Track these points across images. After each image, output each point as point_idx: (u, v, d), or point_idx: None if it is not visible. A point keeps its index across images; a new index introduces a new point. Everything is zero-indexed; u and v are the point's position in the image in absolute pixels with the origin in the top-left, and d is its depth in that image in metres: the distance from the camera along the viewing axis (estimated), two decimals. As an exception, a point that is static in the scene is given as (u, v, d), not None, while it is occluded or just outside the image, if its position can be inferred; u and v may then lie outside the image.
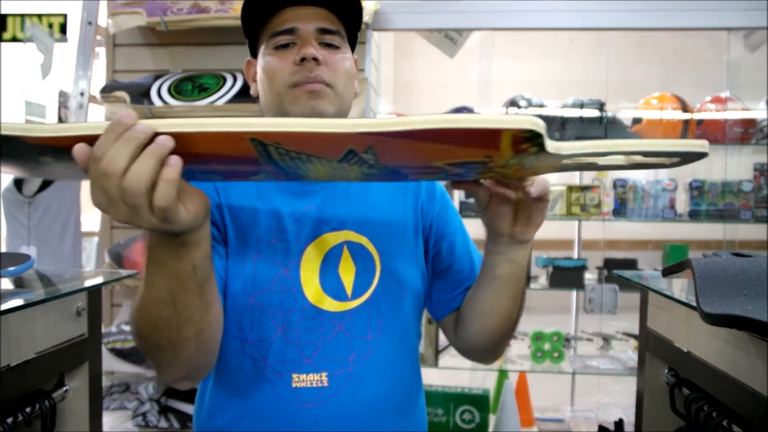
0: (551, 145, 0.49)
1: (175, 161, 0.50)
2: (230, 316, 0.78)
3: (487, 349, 0.86)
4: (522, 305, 0.81)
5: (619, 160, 0.55)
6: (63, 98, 2.23)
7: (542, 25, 2.21)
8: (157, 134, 0.50)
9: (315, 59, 0.77)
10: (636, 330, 1.24)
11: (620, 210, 2.36)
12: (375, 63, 2.31)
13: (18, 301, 0.82)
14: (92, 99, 2.16)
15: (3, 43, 2.24)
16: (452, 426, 2.24)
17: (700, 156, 0.53)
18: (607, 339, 2.51)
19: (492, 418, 2.24)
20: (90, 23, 2.15)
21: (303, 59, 0.77)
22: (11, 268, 0.94)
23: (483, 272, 0.80)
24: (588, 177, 2.56)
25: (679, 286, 1.07)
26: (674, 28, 2.25)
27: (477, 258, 0.89)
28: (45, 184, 2.00)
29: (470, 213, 2.32)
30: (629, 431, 1.74)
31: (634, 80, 2.85)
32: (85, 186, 2.13)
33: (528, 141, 0.47)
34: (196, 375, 0.74)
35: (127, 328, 2.13)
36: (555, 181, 2.39)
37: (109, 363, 2.05)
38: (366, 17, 2.01)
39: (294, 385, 0.77)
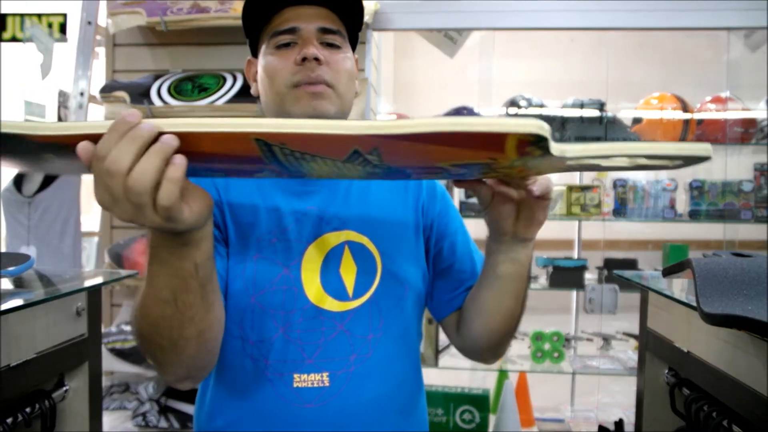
0: (556, 148, 0.49)
1: (180, 160, 0.50)
2: (231, 316, 0.78)
3: (489, 349, 0.86)
4: (524, 304, 0.81)
5: (623, 161, 0.55)
6: (63, 98, 2.23)
7: (542, 25, 2.21)
8: (161, 133, 0.50)
9: (316, 59, 0.77)
10: (636, 330, 1.24)
11: (620, 210, 2.36)
12: (375, 63, 2.31)
13: (18, 301, 0.82)
14: (92, 99, 2.16)
15: (3, 43, 2.23)
16: (452, 426, 2.24)
17: (703, 159, 0.53)
18: (607, 339, 2.51)
19: (492, 418, 2.24)
20: (90, 23, 2.15)
21: (304, 59, 0.77)
22: (11, 268, 0.94)
23: (485, 271, 0.79)
24: (588, 177, 2.56)
25: (679, 286, 1.07)
26: (674, 28, 2.24)
27: (478, 258, 0.89)
28: (45, 184, 2.00)
29: (470, 213, 2.32)
30: (629, 431, 1.74)
31: (634, 80, 2.85)
32: (85, 186, 2.13)
33: (533, 144, 0.47)
34: (197, 375, 0.74)
35: (126, 328, 2.13)
36: (555, 181, 2.36)
37: (109, 363, 2.05)
38: (366, 17, 2.01)
39: (295, 385, 0.77)
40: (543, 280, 2.49)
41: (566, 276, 2.41)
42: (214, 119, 0.49)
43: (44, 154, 0.57)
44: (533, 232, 0.73)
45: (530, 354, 2.39)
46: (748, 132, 2.27)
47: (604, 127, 2.29)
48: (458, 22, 2.27)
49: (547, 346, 2.37)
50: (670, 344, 1.05)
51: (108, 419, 2.03)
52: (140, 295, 0.65)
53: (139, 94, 2.03)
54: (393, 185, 0.88)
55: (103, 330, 2.02)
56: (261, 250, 0.79)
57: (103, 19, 2.20)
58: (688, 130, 2.28)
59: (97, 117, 2.29)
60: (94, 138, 0.50)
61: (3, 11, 2.21)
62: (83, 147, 0.50)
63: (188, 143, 0.50)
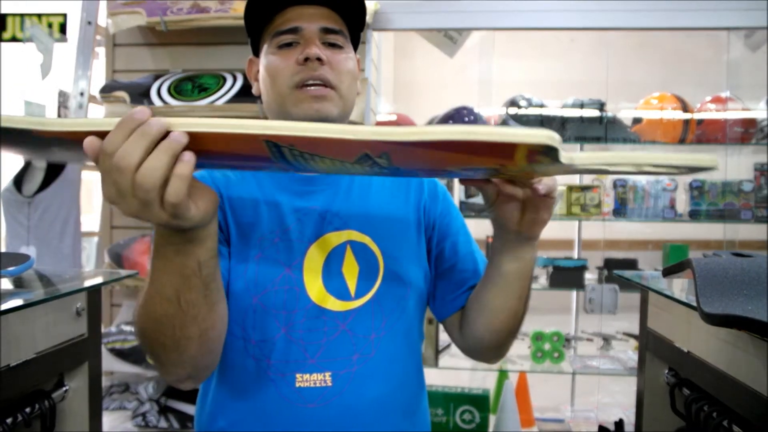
0: (565, 157, 0.49)
1: (189, 158, 0.51)
2: (233, 316, 0.78)
3: (492, 348, 0.86)
4: (527, 303, 0.81)
5: (629, 167, 0.56)
6: (63, 98, 2.23)
7: (542, 25, 2.21)
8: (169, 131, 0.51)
9: (319, 59, 0.77)
10: (636, 330, 1.24)
11: (620, 210, 2.36)
12: (375, 63, 2.31)
13: (18, 301, 0.82)
14: (92, 99, 2.16)
15: (3, 43, 2.23)
16: (452, 426, 2.24)
17: (708, 168, 0.53)
18: (607, 339, 2.51)
19: (492, 418, 2.24)
20: (90, 23, 2.15)
21: (307, 59, 0.77)
22: (11, 268, 0.94)
23: (489, 269, 0.79)
24: (588, 177, 2.56)
25: (679, 286, 1.07)
26: (674, 28, 2.24)
27: (480, 258, 0.89)
28: (45, 184, 1.99)
29: (470, 213, 2.32)
30: (629, 431, 1.74)
31: (634, 80, 2.85)
32: (85, 186, 2.13)
33: (543, 153, 0.48)
34: (199, 375, 0.73)
35: (126, 328, 2.13)
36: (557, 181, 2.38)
37: (109, 363, 2.05)
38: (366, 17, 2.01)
39: (297, 385, 0.77)
40: (543, 280, 2.49)
41: (566, 276, 2.41)
42: (225, 120, 0.49)
43: (50, 147, 0.58)
44: (538, 230, 0.72)
45: (530, 354, 2.39)
46: (748, 132, 2.27)
47: (604, 127, 2.29)
48: (458, 22, 2.27)
49: (547, 346, 2.37)
50: (670, 344, 1.05)
51: (108, 419, 2.03)
52: (143, 294, 0.65)
53: (139, 94, 2.03)
54: (394, 185, 0.88)
55: (103, 330, 2.02)
56: (263, 250, 0.79)
57: (103, 19, 2.20)
58: (688, 130, 2.28)
59: (97, 117, 2.29)
60: (101, 134, 0.51)
61: (3, 11, 2.21)
62: (90, 142, 0.51)
63: (197, 142, 0.51)
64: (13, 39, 2.22)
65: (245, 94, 1.97)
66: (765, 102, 2.29)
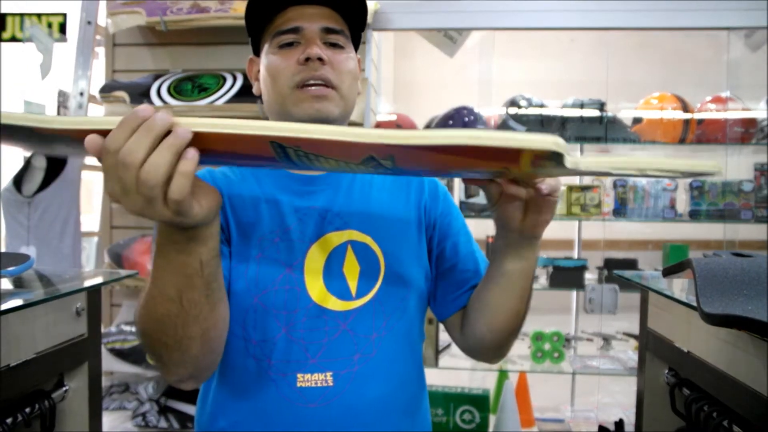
0: (570, 161, 0.50)
1: (192, 154, 0.51)
2: (234, 316, 0.77)
3: (493, 348, 0.86)
4: (529, 303, 0.81)
5: (632, 172, 0.56)
6: (62, 98, 2.23)
7: (542, 25, 2.21)
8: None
9: (320, 59, 0.77)
10: (636, 330, 1.24)
11: (620, 210, 2.36)
12: (375, 63, 2.31)
13: (18, 301, 0.82)
14: (92, 99, 2.16)
15: (2, 43, 2.23)
16: (452, 426, 2.24)
17: (712, 173, 0.54)
18: (607, 339, 2.51)
19: (492, 418, 2.24)
20: (89, 23, 2.15)
21: (308, 59, 0.77)
22: (11, 268, 0.94)
23: (492, 268, 0.79)
24: (588, 177, 2.56)
25: (679, 286, 1.07)
26: (674, 28, 2.25)
27: (481, 257, 0.89)
28: (44, 184, 2.00)
29: (470, 213, 2.32)
30: (629, 431, 1.74)
31: (634, 80, 2.85)
32: (85, 186, 2.13)
33: (548, 158, 0.48)
34: (201, 375, 0.73)
35: (126, 328, 2.13)
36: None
37: (109, 363, 2.05)
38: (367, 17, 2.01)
39: (299, 384, 0.77)
40: (543, 280, 2.49)
41: (566, 276, 2.41)
42: (231, 120, 0.49)
43: (51, 143, 0.58)
44: (541, 229, 0.72)
45: (530, 354, 2.39)
46: (748, 132, 2.27)
47: (604, 127, 2.29)
48: (458, 22, 2.27)
49: (547, 346, 2.37)
50: (670, 344, 1.05)
51: (108, 419, 2.03)
52: (144, 294, 0.65)
53: (139, 94, 2.03)
54: (395, 184, 0.88)
55: (103, 330, 2.02)
56: (263, 250, 0.79)
57: (102, 19, 2.20)
58: (688, 130, 2.28)
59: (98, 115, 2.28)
60: (102, 132, 0.51)
61: (3, 11, 2.21)
62: (91, 140, 0.51)
63: (200, 141, 0.51)
64: (13, 39, 2.22)
65: (245, 94, 1.97)
66: (765, 102, 2.29)
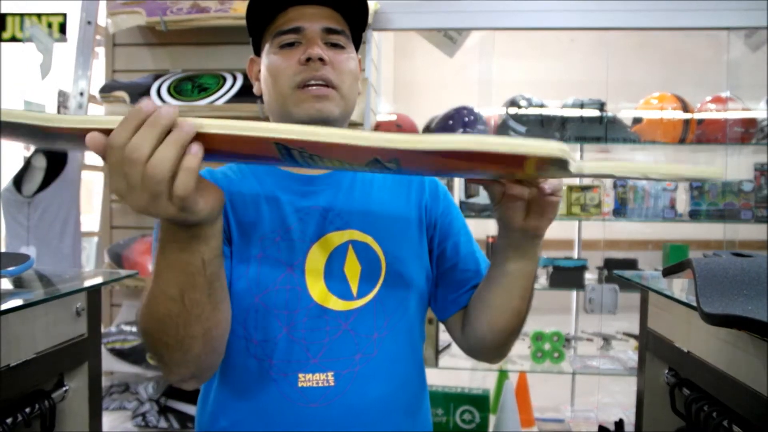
0: (575, 167, 0.50)
1: (197, 150, 0.51)
2: (235, 316, 0.77)
3: (494, 348, 0.85)
4: (530, 303, 0.81)
5: (635, 176, 0.57)
6: (62, 98, 2.23)
7: (542, 25, 2.21)
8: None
9: (321, 59, 0.77)
10: (636, 330, 1.24)
11: (620, 210, 2.36)
12: (375, 63, 2.31)
13: (18, 301, 0.82)
14: (92, 99, 2.16)
15: (2, 43, 2.23)
16: (452, 426, 2.24)
17: (714, 179, 0.54)
18: (607, 339, 2.51)
19: (492, 418, 2.24)
20: (89, 23, 2.15)
21: (309, 59, 0.77)
22: (11, 268, 0.94)
23: (494, 267, 0.79)
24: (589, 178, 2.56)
25: (679, 286, 1.07)
26: (674, 28, 2.25)
27: (481, 257, 0.89)
28: (44, 184, 2.00)
29: (470, 213, 2.32)
30: (629, 431, 1.74)
31: (634, 80, 2.85)
32: (85, 186, 2.13)
33: (552, 164, 0.49)
34: (203, 375, 0.73)
35: (126, 328, 2.13)
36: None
37: (109, 363, 2.05)
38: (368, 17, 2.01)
39: (300, 384, 0.77)
40: (543, 280, 2.49)
41: (566, 276, 2.41)
42: (236, 121, 0.50)
43: (52, 139, 0.58)
44: (543, 228, 0.72)
45: (530, 354, 2.39)
46: (748, 132, 2.27)
47: (604, 127, 2.29)
48: (458, 22, 2.27)
49: (547, 346, 2.37)
50: (670, 344, 1.05)
51: (108, 419, 2.03)
52: (146, 293, 0.65)
53: (139, 94, 2.03)
54: (396, 184, 0.88)
55: (103, 330, 2.02)
56: (264, 250, 0.79)
57: (102, 19, 2.20)
58: (688, 130, 2.28)
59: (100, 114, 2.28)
60: (106, 132, 0.51)
61: (3, 11, 2.21)
62: (93, 138, 0.51)
63: (204, 141, 0.51)
64: (13, 39, 2.22)
65: (245, 94, 1.97)
66: (765, 102, 2.29)
